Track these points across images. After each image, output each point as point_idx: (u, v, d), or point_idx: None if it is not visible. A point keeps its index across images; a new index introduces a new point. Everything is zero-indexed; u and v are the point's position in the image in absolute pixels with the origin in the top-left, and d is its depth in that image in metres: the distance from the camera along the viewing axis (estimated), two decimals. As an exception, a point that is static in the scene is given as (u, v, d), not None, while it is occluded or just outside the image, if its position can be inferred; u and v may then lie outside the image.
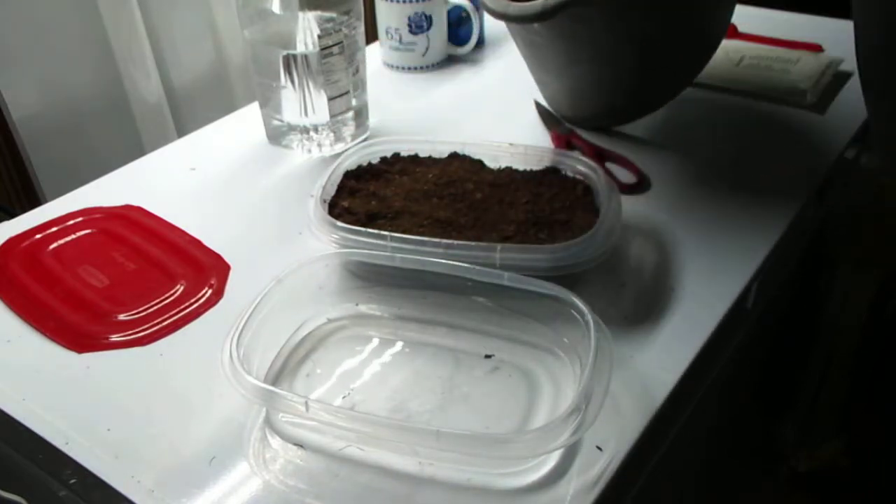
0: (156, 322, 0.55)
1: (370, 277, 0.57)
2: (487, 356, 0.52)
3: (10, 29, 0.93)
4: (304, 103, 0.72)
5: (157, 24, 1.07)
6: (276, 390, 0.44)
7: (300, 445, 0.46)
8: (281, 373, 0.51)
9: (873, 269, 1.00)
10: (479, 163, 0.66)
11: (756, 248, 0.61)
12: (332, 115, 0.73)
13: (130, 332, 0.54)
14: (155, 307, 0.56)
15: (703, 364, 0.53)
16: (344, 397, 0.49)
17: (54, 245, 0.63)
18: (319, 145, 0.75)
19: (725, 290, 0.57)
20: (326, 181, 0.61)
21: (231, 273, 0.60)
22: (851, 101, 0.81)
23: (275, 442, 0.47)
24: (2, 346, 0.54)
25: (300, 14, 0.69)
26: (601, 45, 0.68)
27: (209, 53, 1.16)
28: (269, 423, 0.48)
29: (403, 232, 0.55)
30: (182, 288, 0.58)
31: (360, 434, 0.45)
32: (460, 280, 0.52)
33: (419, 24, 0.88)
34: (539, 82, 0.81)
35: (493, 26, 0.97)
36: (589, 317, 0.48)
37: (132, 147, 1.09)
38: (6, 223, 0.66)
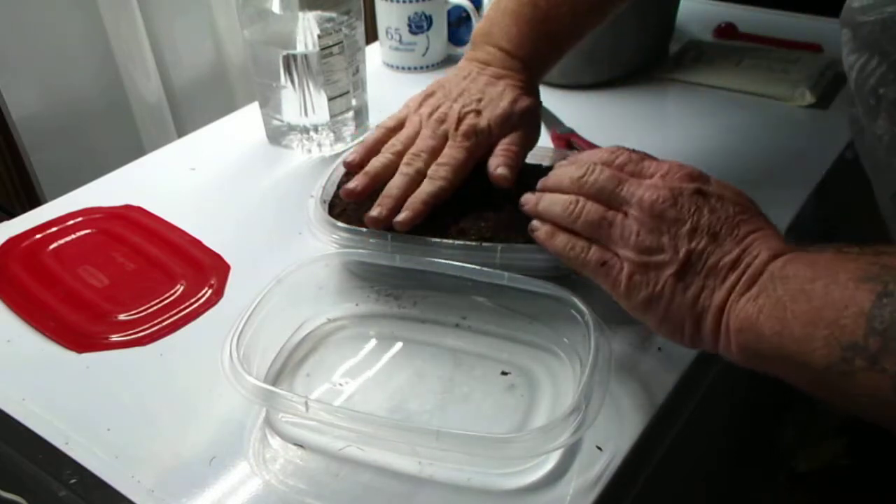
0: (156, 322, 0.55)
1: (370, 277, 0.57)
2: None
3: (10, 29, 0.93)
4: (304, 103, 0.72)
5: (158, 24, 1.07)
6: (276, 390, 0.44)
7: (300, 445, 0.46)
8: (281, 373, 0.51)
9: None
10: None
11: (756, 248, 0.60)
12: (332, 115, 0.73)
13: (130, 332, 0.54)
14: (155, 307, 0.56)
15: (703, 364, 0.53)
16: (342, 395, 0.49)
17: (54, 245, 0.63)
18: (319, 145, 0.75)
19: (725, 290, 0.56)
20: (326, 181, 0.61)
21: (231, 273, 0.60)
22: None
23: (275, 442, 0.47)
24: (2, 346, 0.54)
25: (300, 14, 0.69)
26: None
27: (209, 54, 1.16)
28: (269, 423, 0.48)
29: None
30: (182, 288, 0.58)
31: (360, 434, 0.45)
32: (460, 280, 0.52)
33: (419, 24, 0.88)
34: None
35: (493, 26, 0.96)
36: (589, 317, 0.48)
37: (132, 147, 1.08)
38: (6, 223, 0.66)
